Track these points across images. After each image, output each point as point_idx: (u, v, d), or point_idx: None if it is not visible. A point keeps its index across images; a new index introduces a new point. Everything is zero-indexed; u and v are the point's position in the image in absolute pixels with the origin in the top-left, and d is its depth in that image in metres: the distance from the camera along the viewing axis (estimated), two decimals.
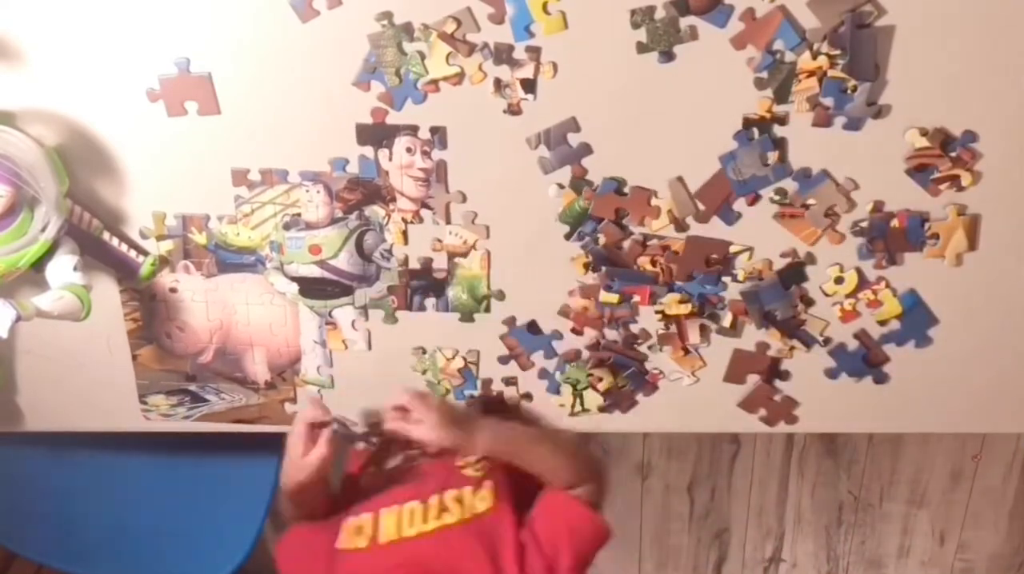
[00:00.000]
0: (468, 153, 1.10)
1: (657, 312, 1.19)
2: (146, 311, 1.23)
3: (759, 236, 1.14)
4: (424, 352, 1.24)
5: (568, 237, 1.15)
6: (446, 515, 1.11)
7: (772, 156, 1.08)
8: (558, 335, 1.21)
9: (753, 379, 1.23)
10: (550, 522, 1.10)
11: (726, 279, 1.16)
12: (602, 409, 1.26)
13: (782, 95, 1.05)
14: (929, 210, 1.11)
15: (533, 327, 1.21)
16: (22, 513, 1.68)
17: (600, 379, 1.24)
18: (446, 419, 1.13)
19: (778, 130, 1.07)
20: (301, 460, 1.16)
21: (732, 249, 1.14)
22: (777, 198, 1.11)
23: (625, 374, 1.24)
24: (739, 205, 1.12)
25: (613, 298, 1.18)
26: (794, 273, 1.15)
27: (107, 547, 1.68)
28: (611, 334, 1.21)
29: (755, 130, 1.07)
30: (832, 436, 2.10)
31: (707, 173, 1.10)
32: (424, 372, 1.25)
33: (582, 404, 1.26)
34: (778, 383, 1.24)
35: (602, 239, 1.14)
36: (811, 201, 1.11)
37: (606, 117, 1.08)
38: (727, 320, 1.19)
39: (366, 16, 1.04)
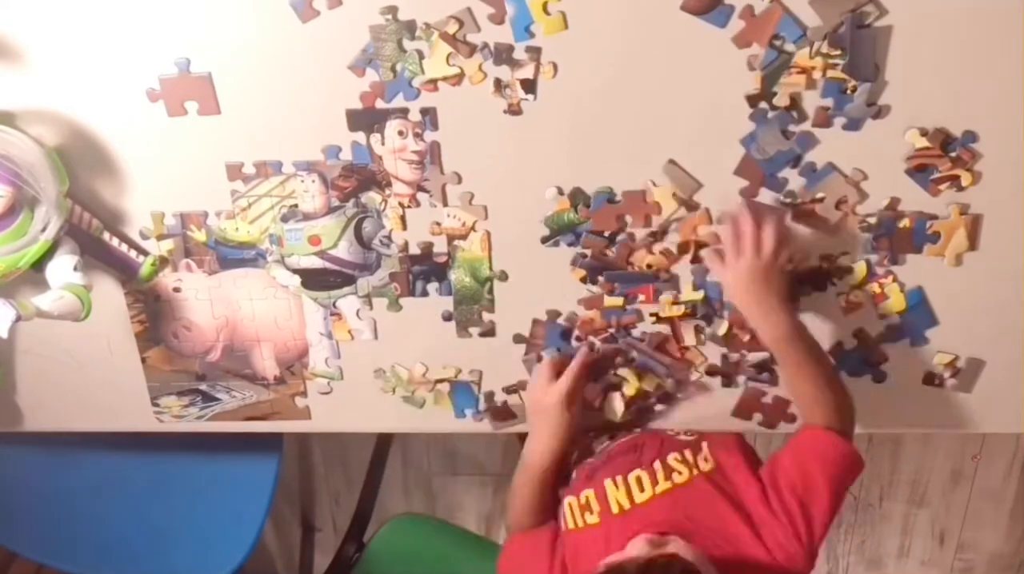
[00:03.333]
0: (460, 133, 1.10)
1: (651, 315, 1.19)
2: (151, 312, 1.23)
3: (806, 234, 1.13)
4: None
5: (544, 242, 1.15)
6: (675, 475, 1.10)
7: (793, 128, 1.06)
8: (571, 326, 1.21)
9: (742, 383, 1.24)
10: (800, 454, 1.08)
11: None
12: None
13: (771, 81, 1.04)
14: (931, 210, 1.11)
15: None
16: (22, 513, 1.68)
17: (625, 380, 1.23)
18: (761, 276, 1.07)
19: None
20: (570, 419, 1.15)
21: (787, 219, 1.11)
22: (788, 200, 1.10)
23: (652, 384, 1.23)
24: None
25: (618, 301, 1.18)
26: (816, 276, 1.15)
27: (107, 547, 1.68)
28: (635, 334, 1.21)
29: (766, 105, 1.05)
30: None
31: (733, 161, 1.09)
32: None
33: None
34: (767, 385, 1.24)
35: (589, 252, 1.15)
36: (820, 194, 1.11)
37: (606, 117, 1.08)
38: (722, 328, 1.19)
39: (366, 17, 1.04)
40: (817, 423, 1.09)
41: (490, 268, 1.18)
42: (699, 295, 1.17)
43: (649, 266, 1.16)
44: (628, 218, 1.13)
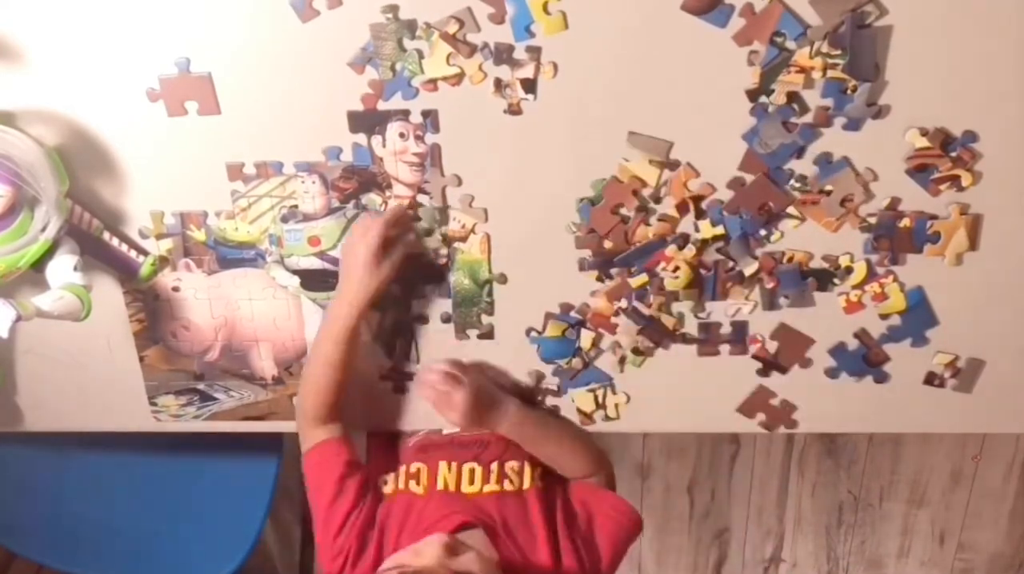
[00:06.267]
0: (461, 136, 1.10)
1: (674, 269, 1.17)
2: (150, 312, 1.23)
3: (810, 233, 1.14)
4: None
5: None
6: (507, 482, 1.14)
7: (794, 120, 1.06)
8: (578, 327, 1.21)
9: (751, 380, 1.23)
10: (586, 507, 1.15)
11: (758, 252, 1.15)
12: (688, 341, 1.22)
13: (769, 78, 1.04)
14: (932, 210, 1.11)
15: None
16: (22, 513, 1.68)
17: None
18: (475, 404, 1.13)
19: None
20: (373, 277, 1.11)
21: (790, 210, 1.12)
22: (798, 185, 1.10)
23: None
24: None
25: (643, 279, 1.17)
26: (821, 275, 1.15)
27: (107, 547, 1.69)
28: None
29: (765, 99, 1.05)
30: (832, 436, 2.11)
31: (736, 157, 1.09)
32: None
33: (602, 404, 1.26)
34: (776, 386, 1.23)
35: (588, 252, 1.16)
36: (828, 187, 1.10)
37: (606, 116, 1.08)
38: (750, 268, 1.17)
39: (366, 17, 1.04)
40: (588, 478, 1.20)
41: (489, 271, 1.18)
42: (720, 230, 1.14)
43: (655, 235, 1.15)
44: (623, 208, 1.13)
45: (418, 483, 1.15)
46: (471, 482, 1.14)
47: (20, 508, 1.68)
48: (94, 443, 1.57)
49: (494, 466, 1.15)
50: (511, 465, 1.16)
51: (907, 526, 2.22)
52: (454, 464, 1.16)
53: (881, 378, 1.22)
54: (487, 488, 1.14)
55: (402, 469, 1.18)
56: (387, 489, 1.17)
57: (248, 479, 1.66)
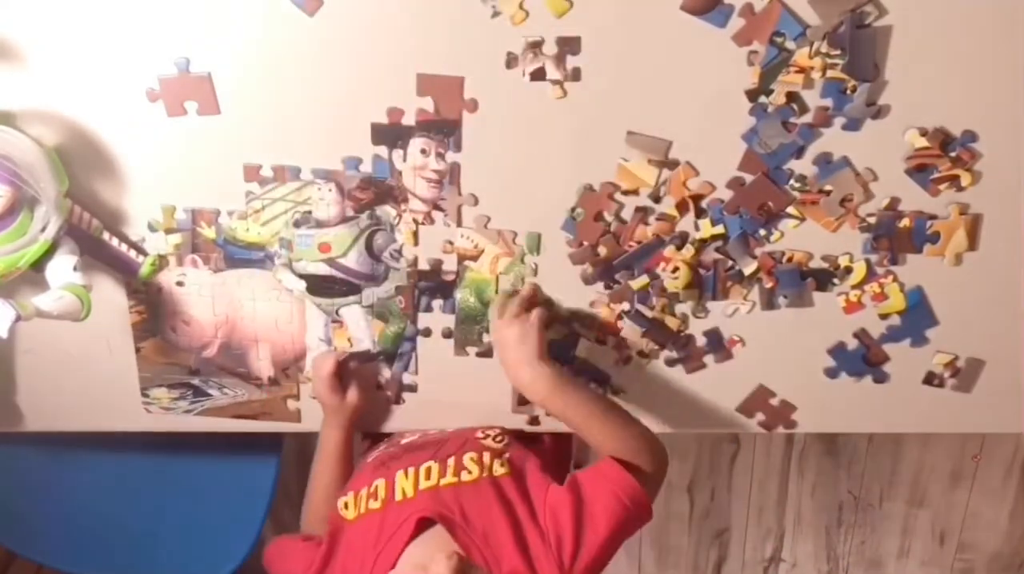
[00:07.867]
0: (482, 156, 1.10)
1: (673, 269, 1.17)
2: (152, 304, 1.22)
3: (809, 233, 1.14)
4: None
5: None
6: (464, 474, 1.10)
7: (794, 120, 1.07)
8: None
9: (751, 381, 1.24)
10: (597, 485, 1.07)
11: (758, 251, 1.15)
12: (670, 362, 1.23)
13: (768, 78, 1.04)
14: (931, 210, 1.11)
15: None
16: (22, 513, 1.68)
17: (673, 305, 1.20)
18: (532, 355, 1.11)
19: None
20: (341, 405, 1.23)
21: (789, 210, 1.12)
22: (797, 185, 1.11)
23: (704, 332, 1.20)
24: None
25: (644, 280, 1.17)
26: (821, 274, 1.16)
27: (107, 547, 1.68)
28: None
29: (765, 99, 1.05)
30: (832, 436, 2.11)
31: (736, 157, 1.09)
32: None
33: None
34: (775, 386, 1.24)
35: (588, 266, 1.16)
36: (828, 187, 1.11)
37: (607, 116, 1.08)
38: (750, 268, 1.17)
39: (369, 8, 1.04)
40: (623, 458, 1.10)
41: (496, 291, 1.18)
42: (720, 229, 1.14)
43: (655, 235, 1.15)
44: (606, 213, 1.13)
45: (376, 499, 1.11)
46: (427, 479, 1.10)
47: (20, 508, 1.68)
48: (95, 443, 1.56)
49: (451, 461, 1.11)
50: (470, 455, 1.12)
51: (907, 526, 2.22)
52: (411, 470, 1.11)
53: (881, 378, 1.22)
54: (443, 481, 1.09)
55: (363, 491, 1.13)
56: (349, 514, 1.13)
57: (248, 479, 1.66)
